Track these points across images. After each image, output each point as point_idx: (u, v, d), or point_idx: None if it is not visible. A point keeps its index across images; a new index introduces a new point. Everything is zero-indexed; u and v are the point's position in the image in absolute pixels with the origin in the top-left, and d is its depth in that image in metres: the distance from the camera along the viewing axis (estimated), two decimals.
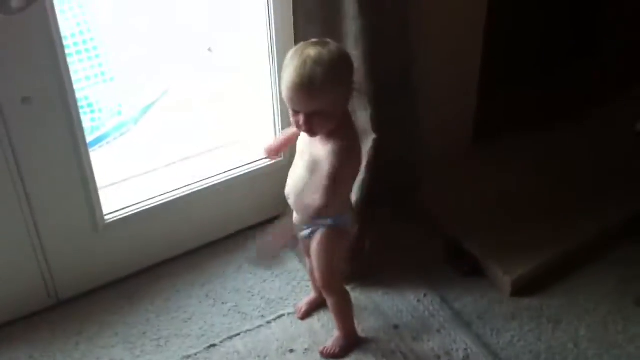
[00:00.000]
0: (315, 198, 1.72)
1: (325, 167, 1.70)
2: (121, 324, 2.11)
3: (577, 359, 1.97)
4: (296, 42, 2.01)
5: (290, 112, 1.69)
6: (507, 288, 2.15)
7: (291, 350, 2.02)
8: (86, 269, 2.15)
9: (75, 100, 1.94)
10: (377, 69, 1.96)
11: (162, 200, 2.20)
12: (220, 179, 2.26)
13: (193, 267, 2.27)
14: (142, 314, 2.14)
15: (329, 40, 1.70)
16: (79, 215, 2.07)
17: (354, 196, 2.06)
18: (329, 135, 1.71)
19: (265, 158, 2.15)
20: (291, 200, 1.84)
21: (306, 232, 1.88)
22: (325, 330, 2.07)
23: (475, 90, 2.44)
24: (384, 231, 2.18)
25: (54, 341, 2.05)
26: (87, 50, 2.67)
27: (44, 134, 1.92)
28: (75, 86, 2.61)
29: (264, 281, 2.23)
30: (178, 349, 2.04)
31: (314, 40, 1.69)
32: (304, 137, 1.78)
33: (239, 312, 2.14)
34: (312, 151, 1.75)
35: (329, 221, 1.83)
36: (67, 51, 2.59)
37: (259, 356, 2.01)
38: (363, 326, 2.07)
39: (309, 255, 1.99)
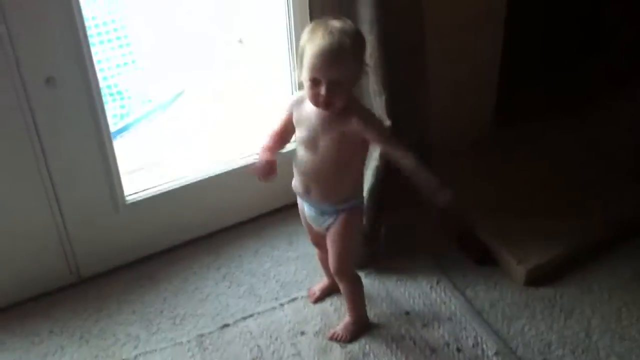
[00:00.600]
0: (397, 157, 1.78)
1: (367, 133, 1.76)
2: (139, 302, 2.17)
3: (587, 349, 1.96)
4: None
5: (308, 85, 1.70)
6: (521, 277, 2.14)
7: (302, 333, 2.05)
8: (107, 248, 2.22)
9: (97, 84, 2.00)
10: (391, 55, 1.98)
11: (182, 183, 2.25)
12: (237, 165, 2.30)
13: (210, 250, 2.32)
14: (160, 293, 2.19)
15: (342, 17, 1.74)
16: (101, 194, 2.14)
17: (368, 183, 2.08)
18: (345, 110, 1.74)
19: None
20: (316, 191, 1.84)
21: (329, 221, 1.89)
22: (338, 314, 2.09)
23: (494, 81, 2.44)
24: (399, 217, 2.19)
25: (74, 317, 2.12)
26: (118, 38, 2.74)
27: (67, 115, 1.99)
28: (105, 74, 2.70)
29: (280, 265, 2.26)
30: (193, 327, 2.09)
31: (327, 17, 1.73)
32: (309, 125, 1.79)
33: (254, 294, 2.18)
34: (330, 134, 1.76)
35: (353, 200, 1.87)
36: (98, 39, 2.68)
37: (270, 337, 2.04)
38: (374, 311, 2.09)
39: (318, 246, 2.02)
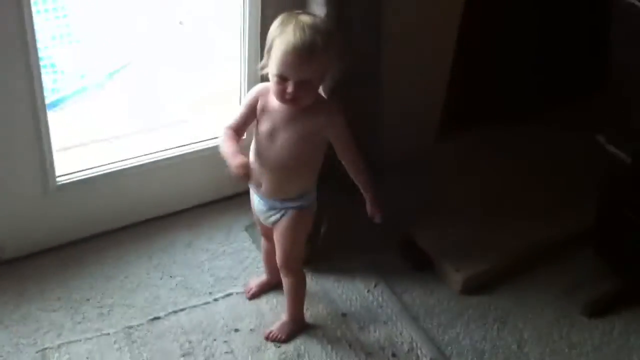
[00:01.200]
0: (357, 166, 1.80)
1: (337, 137, 1.75)
2: (65, 288, 2.06)
3: None
4: (263, 18, 2.01)
5: (275, 81, 1.65)
6: (458, 285, 2.15)
7: (236, 330, 2.00)
8: (34, 229, 2.10)
9: (37, 58, 1.89)
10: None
11: (115, 167, 2.16)
12: (174, 153, 2.23)
13: (143, 238, 2.23)
14: (87, 280, 2.09)
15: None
16: (31, 174, 2.03)
17: None
18: (312, 107, 1.69)
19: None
20: (266, 184, 1.80)
21: (275, 217, 1.85)
22: (273, 313, 2.05)
23: (442, 88, 2.44)
24: (341, 218, 2.16)
25: None
26: (54, 9, 2.61)
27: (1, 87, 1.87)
28: (39, 45, 2.56)
29: (215, 259, 2.20)
30: (121, 318, 2.00)
31: (297, 11, 1.68)
32: (273, 118, 1.74)
33: (187, 287, 2.10)
34: (293, 129, 1.72)
35: (304, 199, 1.83)
36: (34, 8, 2.54)
37: (203, 332, 1.98)
38: (311, 311, 2.06)
39: (267, 238, 1.97)
